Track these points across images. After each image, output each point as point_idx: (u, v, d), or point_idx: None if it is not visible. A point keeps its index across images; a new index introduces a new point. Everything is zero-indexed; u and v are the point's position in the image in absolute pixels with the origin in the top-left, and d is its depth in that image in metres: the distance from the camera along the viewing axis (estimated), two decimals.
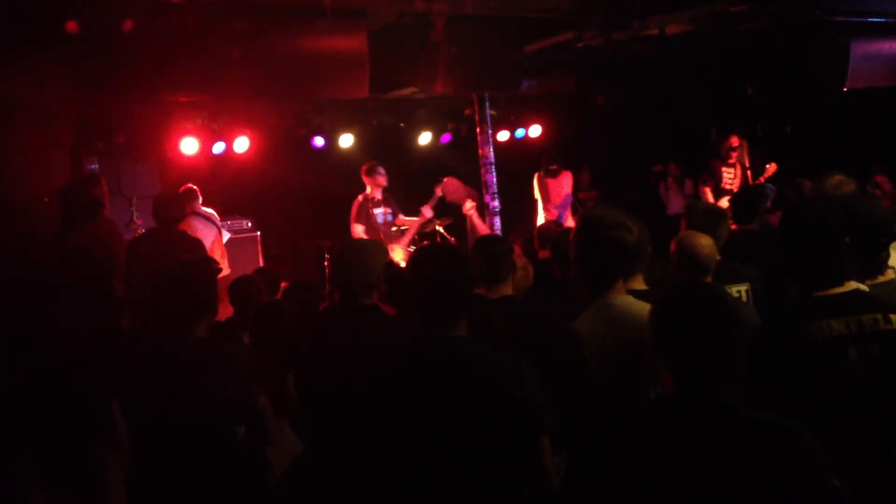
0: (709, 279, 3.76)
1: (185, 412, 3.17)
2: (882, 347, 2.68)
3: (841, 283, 2.82)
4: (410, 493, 2.45)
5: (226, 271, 7.68)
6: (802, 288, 2.85)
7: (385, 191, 8.54)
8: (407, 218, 8.70)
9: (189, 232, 7.92)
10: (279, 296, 5.24)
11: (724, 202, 8.68)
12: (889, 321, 2.71)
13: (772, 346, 2.70)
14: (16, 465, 2.42)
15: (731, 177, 9.42)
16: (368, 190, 8.48)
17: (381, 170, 8.46)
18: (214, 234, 8.26)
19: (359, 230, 8.30)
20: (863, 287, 3.12)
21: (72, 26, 6.05)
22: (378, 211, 8.46)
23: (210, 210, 8.45)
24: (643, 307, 2.89)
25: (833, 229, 2.84)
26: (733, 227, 5.98)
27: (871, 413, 2.64)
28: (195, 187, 8.26)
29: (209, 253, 7.96)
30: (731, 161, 9.44)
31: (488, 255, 3.96)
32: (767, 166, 9.48)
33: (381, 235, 8.30)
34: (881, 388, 2.66)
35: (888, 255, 3.36)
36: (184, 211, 6.54)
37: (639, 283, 3.32)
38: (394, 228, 8.68)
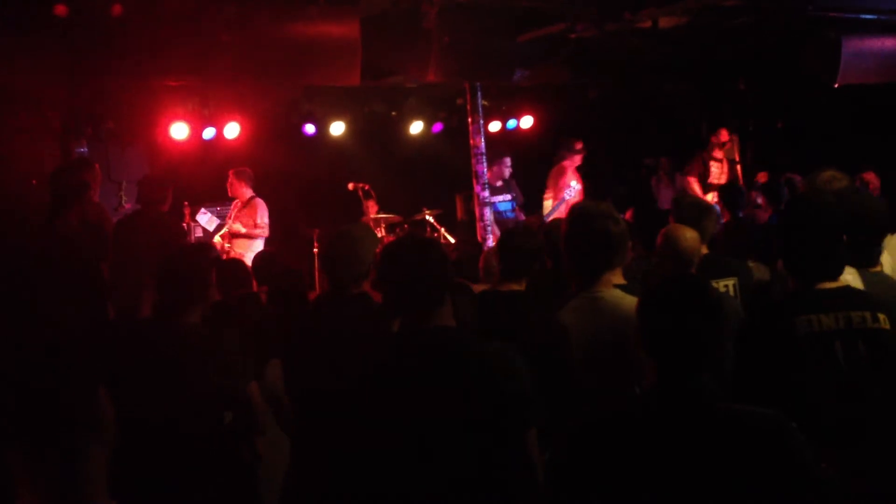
0: (693, 271, 3.77)
1: (171, 397, 3.17)
2: (867, 345, 2.69)
3: (835, 278, 2.82)
4: (396, 484, 2.45)
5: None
6: (796, 281, 2.85)
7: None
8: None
9: (258, 211, 8.18)
10: None
11: (711, 197, 8.67)
12: (877, 320, 2.72)
13: (761, 338, 2.71)
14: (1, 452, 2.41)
15: (718, 171, 9.41)
16: None
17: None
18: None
19: None
20: (858, 280, 3.15)
21: (61, 10, 6.00)
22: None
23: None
24: (630, 301, 2.87)
25: (833, 223, 2.85)
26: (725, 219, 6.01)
27: (852, 408, 2.65)
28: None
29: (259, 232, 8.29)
30: (717, 155, 9.44)
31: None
32: (759, 175, 9.44)
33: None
34: (864, 385, 2.67)
35: (881, 250, 3.39)
36: (166, 194, 6.46)
37: (617, 278, 3.31)
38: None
